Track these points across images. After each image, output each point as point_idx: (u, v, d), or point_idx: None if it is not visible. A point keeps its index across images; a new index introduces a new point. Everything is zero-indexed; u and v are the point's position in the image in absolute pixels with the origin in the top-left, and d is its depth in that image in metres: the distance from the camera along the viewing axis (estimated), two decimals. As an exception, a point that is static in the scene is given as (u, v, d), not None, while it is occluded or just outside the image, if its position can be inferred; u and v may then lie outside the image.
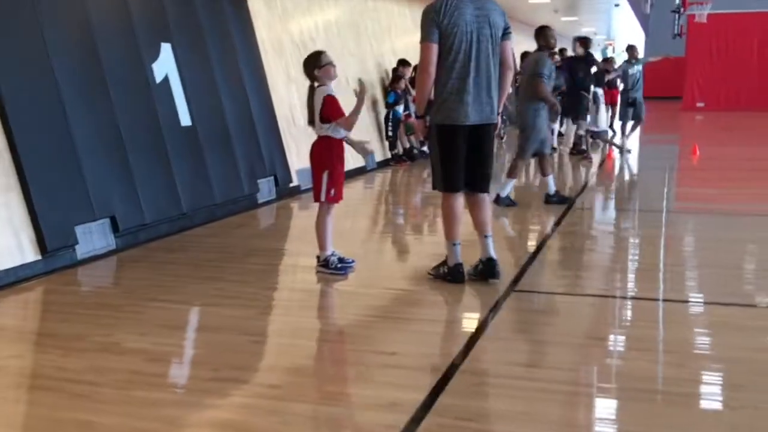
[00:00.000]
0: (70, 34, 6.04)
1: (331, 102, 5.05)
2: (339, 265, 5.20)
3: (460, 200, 4.88)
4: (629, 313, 4.43)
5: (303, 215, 8.22)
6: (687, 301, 4.58)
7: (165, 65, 7.03)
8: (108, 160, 6.13)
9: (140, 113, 6.61)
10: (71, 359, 3.64)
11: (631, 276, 5.26)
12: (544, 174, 7.82)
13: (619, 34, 39.56)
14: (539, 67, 7.39)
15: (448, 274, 4.91)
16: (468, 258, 4.91)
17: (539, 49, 7.64)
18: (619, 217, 7.53)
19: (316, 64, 5.13)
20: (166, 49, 7.08)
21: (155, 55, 6.93)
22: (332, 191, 5.15)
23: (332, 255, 5.22)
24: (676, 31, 28.03)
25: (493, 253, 4.90)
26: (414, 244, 6.54)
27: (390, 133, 11.87)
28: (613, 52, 48.70)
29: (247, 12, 8.70)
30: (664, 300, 4.58)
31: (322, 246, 5.22)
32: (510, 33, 4.83)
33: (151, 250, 6.08)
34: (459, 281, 4.86)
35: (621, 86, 14.10)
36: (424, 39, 4.67)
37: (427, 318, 4.35)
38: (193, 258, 5.83)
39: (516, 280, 4.93)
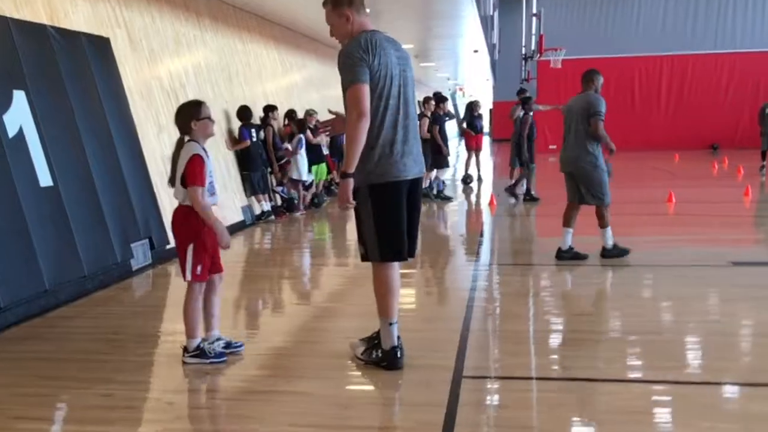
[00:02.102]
0: None
1: (195, 164, 4.26)
2: (220, 351, 4.46)
3: (398, 270, 4.28)
4: (612, 402, 3.92)
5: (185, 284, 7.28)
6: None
7: (18, 116, 5.97)
8: (-50, 233, 5.02)
9: (-10, 173, 5.53)
10: None
11: (592, 350, 4.77)
12: (602, 226, 7.25)
13: (469, 79, 40.87)
14: (597, 106, 6.90)
15: (383, 360, 4.24)
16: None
17: (586, 91, 7.13)
18: (535, 273, 7.13)
19: (193, 116, 4.36)
20: (19, 97, 6.03)
21: (6, 104, 5.87)
22: (198, 268, 4.37)
23: (217, 341, 4.50)
24: (523, 77, 29.11)
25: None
26: (323, 317, 5.79)
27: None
28: (463, 96, 50.43)
29: (111, 55, 7.73)
30: (631, 381, 4.13)
31: (190, 332, 4.42)
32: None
33: (6, 342, 4.99)
34: (396, 368, 4.21)
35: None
36: (356, 80, 3.93)
37: (383, 426, 3.62)
38: (64, 349, 4.81)
39: (460, 362, 4.32)
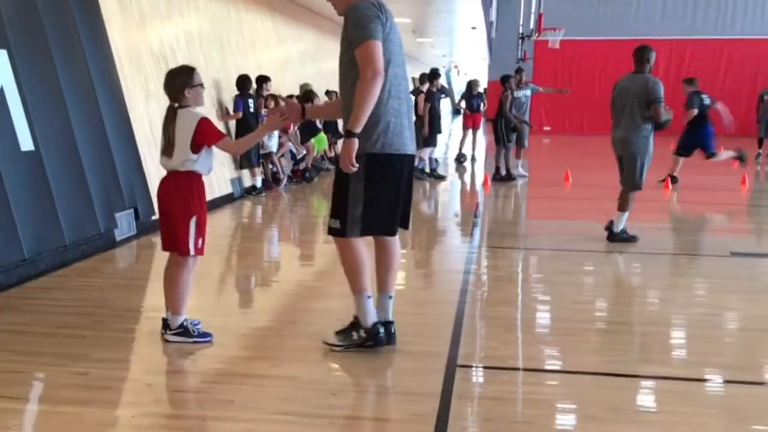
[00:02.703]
0: None
1: (207, 125, 4.11)
2: (204, 331, 4.27)
3: (364, 244, 4.05)
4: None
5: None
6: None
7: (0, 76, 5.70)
8: (-77, 196, 4.79)
9: (-33, 135, 5.28)
10: None
11: (587, 341, 4.59)
12: (621, 209, 7.08)
13: (465, 57, 40.48)
14: (657, 93, 6.72)
15: (368, 339, 4.00)
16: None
17: (641, 71, 6.91)
18: (531, 257, 6.93)
19: (188, 83, 4.13)
20: (1, 56, 5.75)
21: (-14, 63, 5.61)
22: (200, 241, 4.19)
23: (187, 320, 4.26)
24: (519, 56, 28.79)
25: (392, 315, 4.15)
26: (310, 296, 5.59)
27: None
28: (458, 74, 50.01)
29: (99, 16, 7.44)
30: (635, 376, 3.96)
31: (177, 309, 4.22)
32: None
33: (-20, 312, 4.77)
34: (387, 342, 4.04)
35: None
36: (370, 36, 3.67)
37: (374, 416, 3.44)
38: (40, 323, 4.59)
39: (454, 350, 4.14)
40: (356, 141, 3.72)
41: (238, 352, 4.17)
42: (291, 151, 11.73)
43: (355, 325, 4.04)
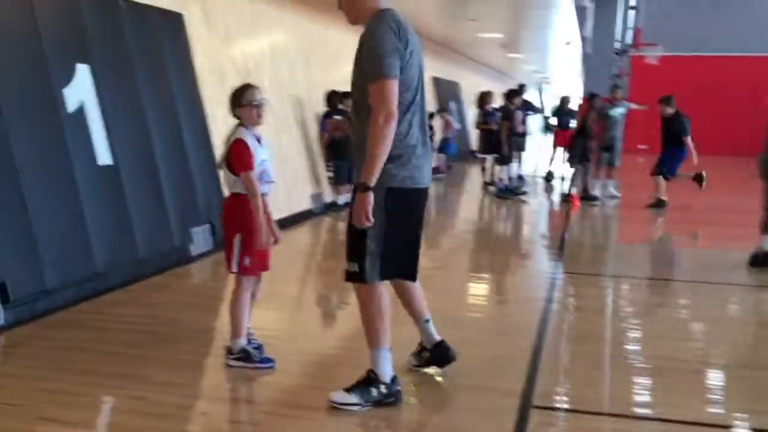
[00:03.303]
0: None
1: (237, 150, 3.90)
2: (266, 356, 4.10)
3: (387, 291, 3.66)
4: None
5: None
6: None
7: (80, 91, 5.74)
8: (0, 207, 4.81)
9: (46, 148, 5.32)
10: None
11: (683, 384, 4.18)
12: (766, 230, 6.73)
13: (558, 72, 39.68)
14: None
15: (390, 395, 3.54)
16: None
17: None
18: (620, 286, 6.50)
19: (235, 102, 4.00)
20: (82, 71, 5.80)
21: (68, 77, 5.65)
22: (246, 260, 4.03)
23: (250, 344, 4.11)
24: (615, 72, 27.85)
25: (438, 334, 3.93)
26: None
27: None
28: (550, 89, 49.12)
29: (184, 32, 7.47)
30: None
31: (237, 332, 4.06)
32: None
33: (48, 327, 4.74)
34: (446, 359, 3.90)
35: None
36: (388, 74, 3.24)
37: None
38: (105, 340, 4.51)
39: (529, 388, 3.81)
40: (371, 195, 3.29)
41: (301, 380, 3.97)
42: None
43: (373, 380, 3.55)
